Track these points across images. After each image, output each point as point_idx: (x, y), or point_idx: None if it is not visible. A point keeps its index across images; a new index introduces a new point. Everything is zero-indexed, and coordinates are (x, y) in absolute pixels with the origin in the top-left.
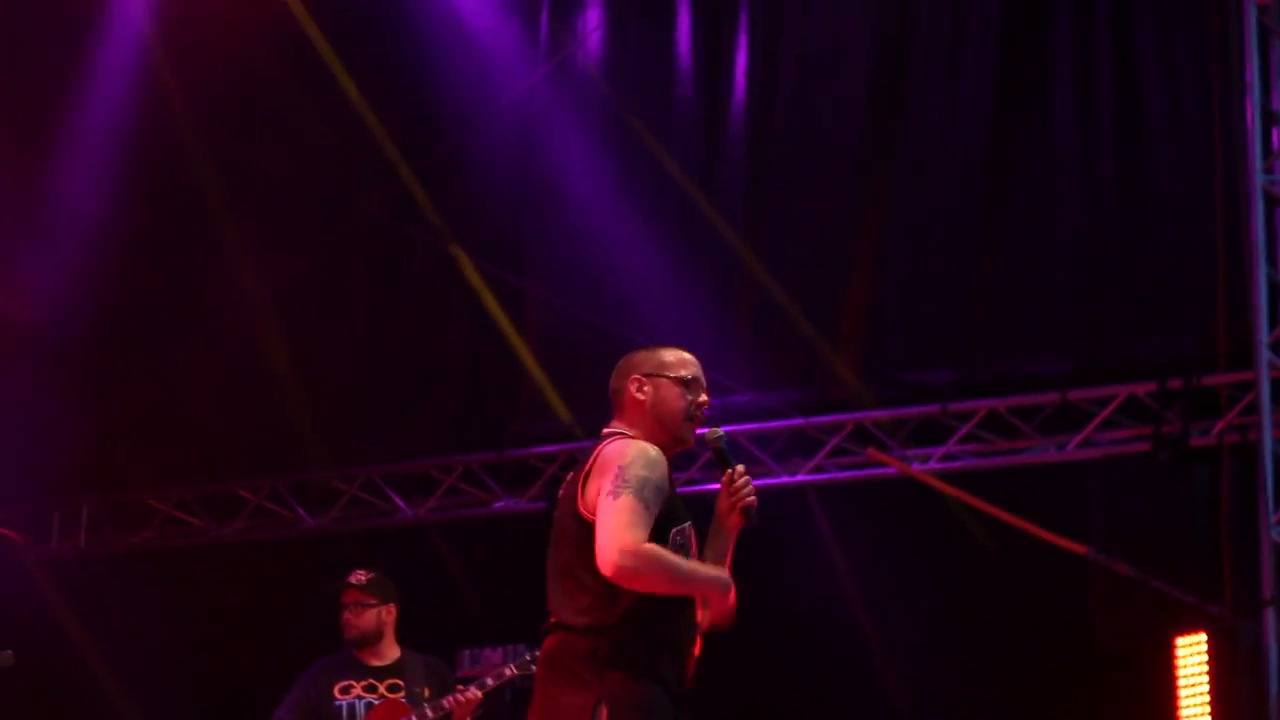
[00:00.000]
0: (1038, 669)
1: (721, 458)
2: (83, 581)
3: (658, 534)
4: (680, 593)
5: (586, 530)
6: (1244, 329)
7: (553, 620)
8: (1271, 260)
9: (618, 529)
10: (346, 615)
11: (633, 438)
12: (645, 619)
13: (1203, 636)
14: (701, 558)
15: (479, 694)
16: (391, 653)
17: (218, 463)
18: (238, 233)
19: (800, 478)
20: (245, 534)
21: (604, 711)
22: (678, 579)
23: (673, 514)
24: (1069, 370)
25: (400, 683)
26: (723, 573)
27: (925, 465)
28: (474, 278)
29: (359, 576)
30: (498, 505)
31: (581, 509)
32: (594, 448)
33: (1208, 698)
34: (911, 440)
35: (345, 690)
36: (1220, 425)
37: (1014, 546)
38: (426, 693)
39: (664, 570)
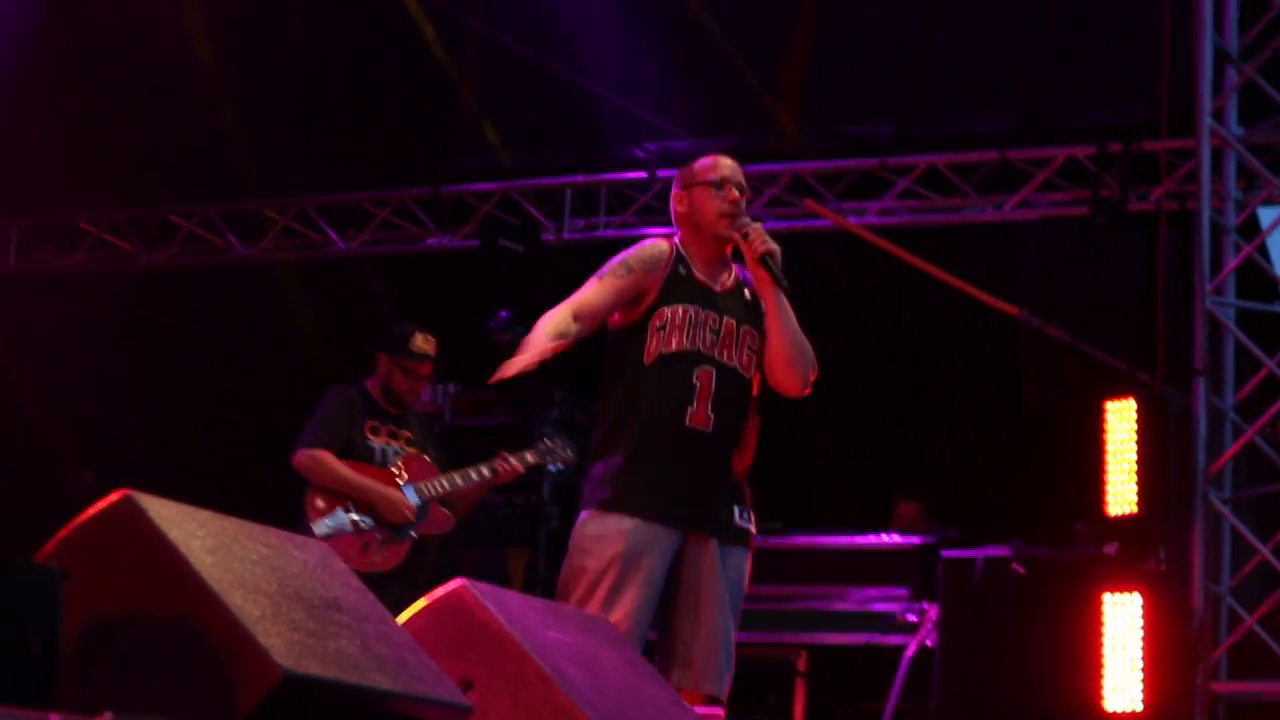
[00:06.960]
0: (966, 428)
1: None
2: (12, 302)
3: (642, 321)
4: None
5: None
6: (1187, 96)
7: None
8: (1218, 27)
9: None
10: (421, 386)
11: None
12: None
13: (1132, 402)
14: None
15: (520, 468)
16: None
17: (151, 187)
18: None
19: None
20: (176, 259)
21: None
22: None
23: (660, 300)
24: (1010, 129)
25: (412, 435)
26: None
27: (861, 219)
28: (413, 6)
29: (435, 351)
30: (431, 241)
31: None
32: None
33: (1135, 464)
34: (849, 193)
35: (374, 431)
36: (1159, 191)
37: (946, 305)
38: (431, 453)
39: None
